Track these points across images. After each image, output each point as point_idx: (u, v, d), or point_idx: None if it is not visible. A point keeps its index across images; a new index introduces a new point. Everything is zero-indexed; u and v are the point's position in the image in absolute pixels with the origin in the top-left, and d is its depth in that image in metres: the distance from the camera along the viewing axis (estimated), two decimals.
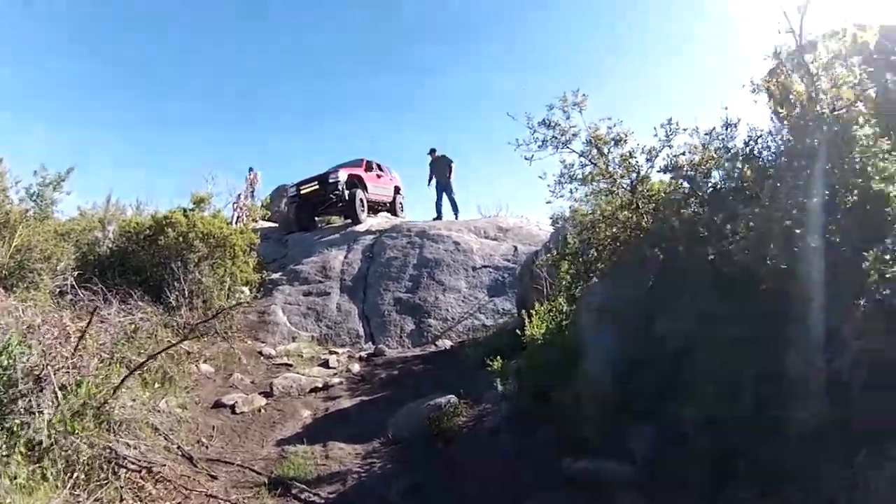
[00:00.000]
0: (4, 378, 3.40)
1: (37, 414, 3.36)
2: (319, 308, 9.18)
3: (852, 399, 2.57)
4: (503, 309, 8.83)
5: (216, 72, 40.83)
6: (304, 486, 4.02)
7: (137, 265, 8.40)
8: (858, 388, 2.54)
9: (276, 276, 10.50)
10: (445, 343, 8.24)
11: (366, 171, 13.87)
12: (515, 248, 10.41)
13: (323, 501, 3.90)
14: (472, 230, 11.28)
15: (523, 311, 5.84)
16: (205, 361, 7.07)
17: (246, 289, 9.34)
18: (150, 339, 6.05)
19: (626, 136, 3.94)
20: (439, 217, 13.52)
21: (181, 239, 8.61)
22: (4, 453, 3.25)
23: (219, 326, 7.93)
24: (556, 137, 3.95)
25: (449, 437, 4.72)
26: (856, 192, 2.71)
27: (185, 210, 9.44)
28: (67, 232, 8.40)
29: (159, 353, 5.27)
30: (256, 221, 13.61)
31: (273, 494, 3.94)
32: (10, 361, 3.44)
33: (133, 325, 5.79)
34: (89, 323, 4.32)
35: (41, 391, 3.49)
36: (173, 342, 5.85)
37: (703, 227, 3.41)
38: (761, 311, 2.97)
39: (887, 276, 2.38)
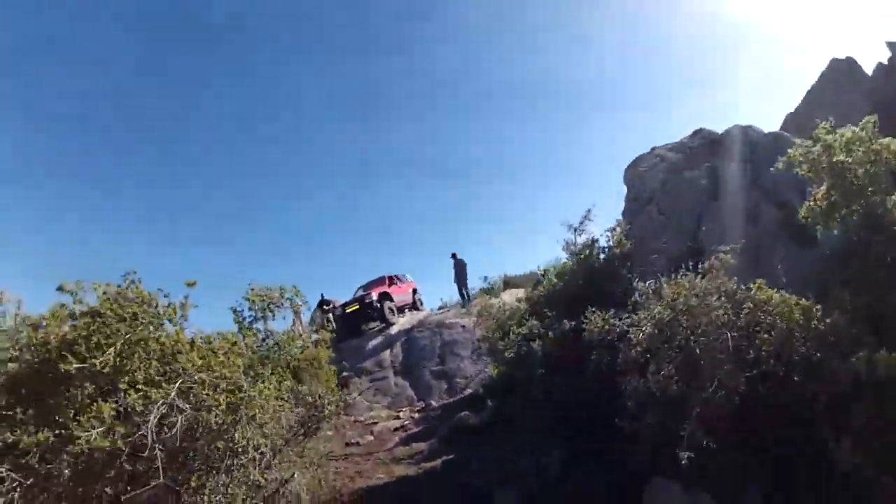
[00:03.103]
0: None
1: None
2: (383, 388, 14.06)
3: None
4: None
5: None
6: (405, 459, 8.82)
7: None
8: None
9: (345, 374, 15.39)
10: (468, 392, 12.98)
11: (389, 286, 19.11)
12: None
13: (415, 462, 8.71)
14: (472, 315, 16.22)
15: None
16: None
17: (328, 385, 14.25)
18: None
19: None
20: (465, 302, 18.33)
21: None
22: None
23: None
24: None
25: (465, 430, 9.54)
26: None
27: None
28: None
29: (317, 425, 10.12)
30: (328, 342, 18.71)
31: (392, 463, 8.74)
32: None
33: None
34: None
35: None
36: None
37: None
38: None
39: None
